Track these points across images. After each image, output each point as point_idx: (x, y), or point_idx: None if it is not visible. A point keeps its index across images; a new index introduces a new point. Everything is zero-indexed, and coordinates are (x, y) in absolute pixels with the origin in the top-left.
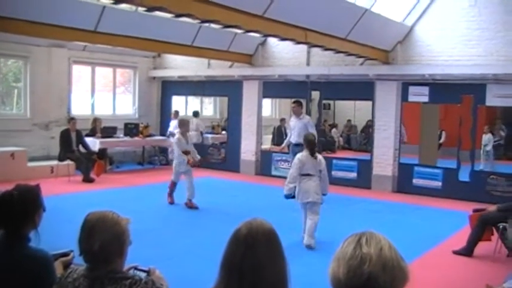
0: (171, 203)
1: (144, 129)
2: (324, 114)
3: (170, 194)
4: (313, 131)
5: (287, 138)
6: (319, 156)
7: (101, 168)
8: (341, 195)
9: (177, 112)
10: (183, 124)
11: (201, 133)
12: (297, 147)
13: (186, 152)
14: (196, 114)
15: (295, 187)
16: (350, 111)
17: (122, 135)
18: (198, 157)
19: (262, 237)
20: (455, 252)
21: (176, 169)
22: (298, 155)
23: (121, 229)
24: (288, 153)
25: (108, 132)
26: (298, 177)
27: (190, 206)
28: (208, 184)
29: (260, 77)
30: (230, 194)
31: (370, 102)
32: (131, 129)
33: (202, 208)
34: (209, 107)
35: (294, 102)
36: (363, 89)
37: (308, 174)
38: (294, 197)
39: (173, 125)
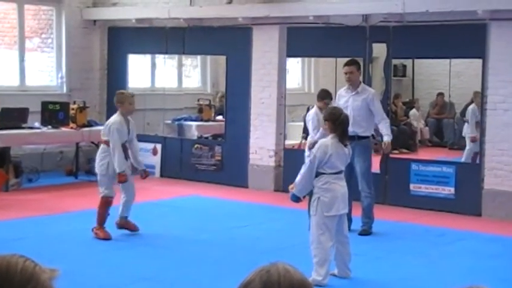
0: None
1: (79, 114)
2: (395, 85)
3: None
4: (381, 112)
5: None
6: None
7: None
8: (427, 227)
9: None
10: (122, 100)
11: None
12: (350, 143)
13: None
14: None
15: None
16: (442, 79)
17: (37, 124)
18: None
19: None
20: None
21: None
22: (323, 141)
23: None
24: None
25: (12, 118)
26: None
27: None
28: (195, 208)
29: (282, 20)
30: (231, 224)
31: (478, 62)
32: (54, 113)
33: (182, 249)
34: (193, 73)
35: (348, 63)
36: (465, 39)
37: (338, 172)
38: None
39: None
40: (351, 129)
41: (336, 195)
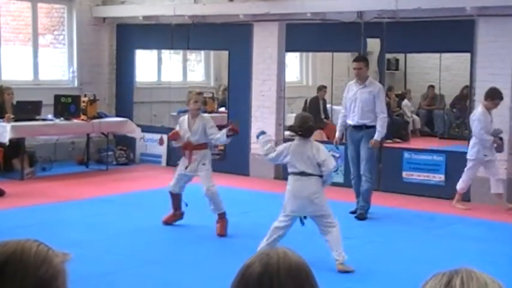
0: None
1: (90, 106)
2: (388, 78)
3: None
4: (383, 108)
5: (340, 121)
6: (316, 145)
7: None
8: (418, 212)
9: (495, 94)
10: (188, 98)
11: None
12: (359, 132)
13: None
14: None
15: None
16: (432, 72)
17: (50, 116)
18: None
19: (286, 277)
20: None
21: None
22: (288, 143)
23: (52, 271)
24: (343, 143)
25: (26, 111)
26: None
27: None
28: (199, 195)
29: (282, 17)
30: (233, 210)
31: (467, 56)
32: (66, 105)
33: (189, 234)
34: (197, 68)
35: (357, 59)
36: (455, 34)
37: (299, 173)
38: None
39: (479, 119)
40: (359, 120)
41: (289, 196)
